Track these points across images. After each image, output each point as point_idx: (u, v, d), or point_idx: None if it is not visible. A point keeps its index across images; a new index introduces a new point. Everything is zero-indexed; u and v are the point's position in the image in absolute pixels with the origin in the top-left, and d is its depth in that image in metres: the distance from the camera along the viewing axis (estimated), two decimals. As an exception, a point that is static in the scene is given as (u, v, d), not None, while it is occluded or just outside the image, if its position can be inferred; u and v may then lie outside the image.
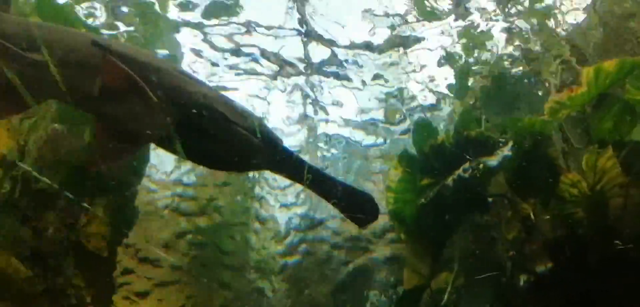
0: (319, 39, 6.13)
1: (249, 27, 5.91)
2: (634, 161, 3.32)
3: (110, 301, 4.68)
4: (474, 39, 5.58)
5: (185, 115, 2.52)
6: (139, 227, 5.06)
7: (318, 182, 2.83)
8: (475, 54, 5.85)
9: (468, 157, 4.06)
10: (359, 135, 7.47)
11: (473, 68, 5.65)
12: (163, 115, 2.46)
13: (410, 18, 5.96)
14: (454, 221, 4.23)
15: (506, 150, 3.89)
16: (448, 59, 5.73)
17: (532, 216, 3.56)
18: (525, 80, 5.37)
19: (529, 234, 3.34)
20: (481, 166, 3.93)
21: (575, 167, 3.47)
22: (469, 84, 5.57)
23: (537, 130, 3.87)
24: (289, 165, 2.85)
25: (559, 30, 5.30)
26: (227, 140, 2.66)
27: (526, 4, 5.58)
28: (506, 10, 5.54)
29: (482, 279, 3.63)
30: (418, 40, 6.16)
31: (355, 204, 2.88)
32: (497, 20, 5.70)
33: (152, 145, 3.97)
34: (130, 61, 2.37)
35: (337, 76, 6.62)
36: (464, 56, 5.87)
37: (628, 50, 4.48)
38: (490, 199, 4.26)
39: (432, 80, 6.63)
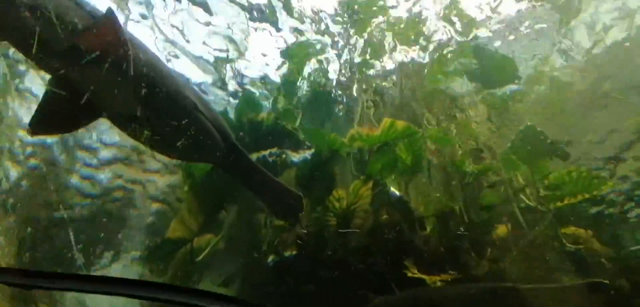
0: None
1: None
2: (379, 199, 4.26)
3: None
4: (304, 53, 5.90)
5: (154, 96, 2.35)
6: None
7: (259, 181, 2.91)
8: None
9: (277, 145, 4.39)
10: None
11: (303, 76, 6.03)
12: (135, 92, 2.27)
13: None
14: (236, 193, 4.45)
15: (308, 153, 4.39)
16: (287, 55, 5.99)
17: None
18: (341, 104, 6.21)
19: (291, 226, 3.83)
20: (284, 156, 4.31)
21: (344, 188, 4.20)
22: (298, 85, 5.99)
23: (335, 147, 4.51)
24: (238, 162, 2.87)
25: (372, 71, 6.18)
26: (193, 129, 2.56)
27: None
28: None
29: (238, 249, 3.95)
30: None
31: (284, 201, 3.03)
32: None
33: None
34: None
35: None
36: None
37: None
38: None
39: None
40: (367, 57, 6.33)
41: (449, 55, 6.00)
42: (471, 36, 5.99)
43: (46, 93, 2.47)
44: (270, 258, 3.85)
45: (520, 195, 4.15)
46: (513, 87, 5.94)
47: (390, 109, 5.96)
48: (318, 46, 5.94)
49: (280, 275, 3.79)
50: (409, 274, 3.49)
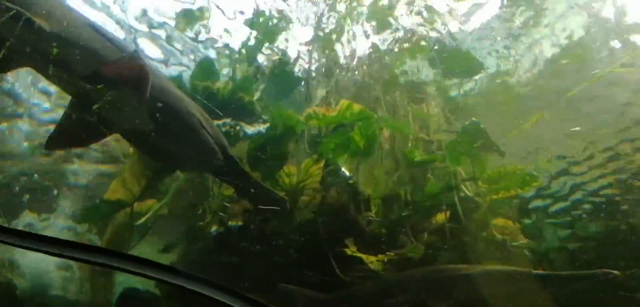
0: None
1: None
2: (329, 179, 4.37)
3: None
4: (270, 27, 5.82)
5: (166, 114, 2.64)
6: None
7: (245, 185, 3.25)
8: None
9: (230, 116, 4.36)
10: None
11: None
12: (146, 111, 2.54)
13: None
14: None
15: (263, 127, 4.40)
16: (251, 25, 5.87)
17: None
18: (302, 82, 6.22)
19: (240, 197, 3.87)
20: (238, 127, 4.30)
21: (296, 165, 4.26)
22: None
23: (291, 124, 4.54)
24: (232, 172, 3.16)
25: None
26: (197, 144, 2.83)
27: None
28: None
29: (182, 217, 3.94)
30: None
31: (267, 202, 3.39)
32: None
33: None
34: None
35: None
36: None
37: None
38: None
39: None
40: (334, 37, 6.37)
41: (413, 45, 6.14)
42: (440, 28, 6.14)
43: (65, 113, 2.73)
44: (214, 228, 3.87)
45: (461, 186, 4.38)
46: (469, 85, 6.20)
47: (351, 92, 6.06)
48: (283, 20, 5.89)
49: (223, 246, 3.82)
50: (348, 252, 3.63)
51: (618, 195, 5.03)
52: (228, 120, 4.32)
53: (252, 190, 3.40)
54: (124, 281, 4.53)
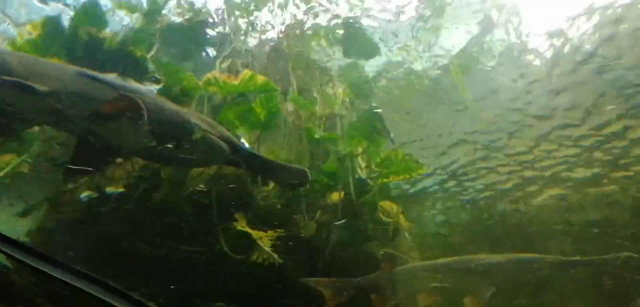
0: None
1: None
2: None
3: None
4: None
5: (166, 129, 3.04)
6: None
7: (258, 165, 3.63)
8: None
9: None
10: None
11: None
12: (146, 131, 2.89)
13: None
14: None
15: (154, 87, 4.01)
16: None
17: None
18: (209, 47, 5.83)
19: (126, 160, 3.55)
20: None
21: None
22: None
23: (188, 87, 4.22)
24: (242, 158, 3.50)
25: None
26: (201, 146, 3.19)
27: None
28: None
29: (48, 176, 3.47)
30: None
31: (287, 177, 3.64)
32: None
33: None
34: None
35: None
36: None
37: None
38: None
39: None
40: (252, 6, 6.07)
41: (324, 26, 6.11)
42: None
43: (76, 147, 3.16)
44: (86, 193, 3.45)
45: (357, 168, 4.53)
46: (374, 70, 6.41)
47: (260, 64, 5.86)
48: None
49: (96, 214, 3.43)
50: (238, 227, 3.52)
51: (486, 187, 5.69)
52: (113, 75, 3.84)
53: (269, 170, 3.69)
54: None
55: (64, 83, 2.86)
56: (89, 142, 3.04)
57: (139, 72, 4.16)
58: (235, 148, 3.52)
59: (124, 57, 4.12)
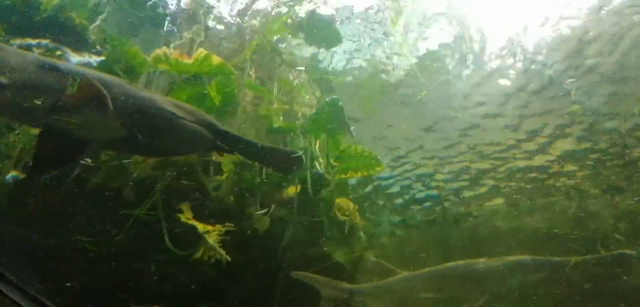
0: None
1: None
2: None
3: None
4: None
5: (138, 119, 2.82)
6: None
7: (248, 150, 3.38)
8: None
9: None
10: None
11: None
12: (116, 122, 2.68)
13: None
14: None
15: (94, 59, 3.62)
16: None
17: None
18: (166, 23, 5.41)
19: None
20: (60, 53, 3.44)
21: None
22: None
23: (134, 62, 3.85)
24: (226, 142, 3.25)
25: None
26: (177, 134, 3.04)
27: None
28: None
29: None
30: None
31: (279, 160, 3.44)
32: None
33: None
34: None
35: None
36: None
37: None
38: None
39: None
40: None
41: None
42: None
43: (37, 144, 2.82)
44: (11, 174, 3.05)
45: (315, 161, 4.35)
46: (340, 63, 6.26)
47: (219, 46, 5.53)
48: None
49: (22, 197, 3.03)
50: (182, 219, 3.24)
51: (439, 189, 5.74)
52: (46, 41, 3.41)
53: (260, 153, 3.46)
54: None
55: (24, 74, 2.56)
56: (52, 136, 2.75)
57: (80, 42, 3.72)
58: (219, 133, 3.29)
59: (62, 24, 3.67)
